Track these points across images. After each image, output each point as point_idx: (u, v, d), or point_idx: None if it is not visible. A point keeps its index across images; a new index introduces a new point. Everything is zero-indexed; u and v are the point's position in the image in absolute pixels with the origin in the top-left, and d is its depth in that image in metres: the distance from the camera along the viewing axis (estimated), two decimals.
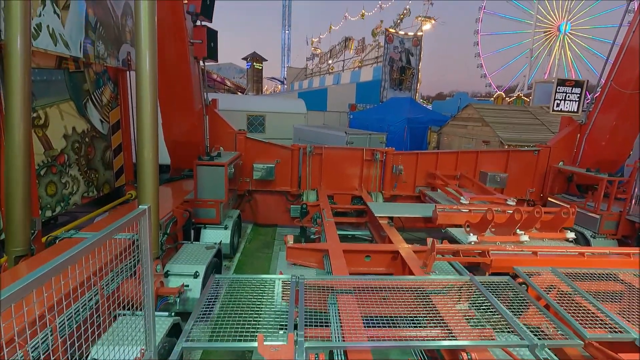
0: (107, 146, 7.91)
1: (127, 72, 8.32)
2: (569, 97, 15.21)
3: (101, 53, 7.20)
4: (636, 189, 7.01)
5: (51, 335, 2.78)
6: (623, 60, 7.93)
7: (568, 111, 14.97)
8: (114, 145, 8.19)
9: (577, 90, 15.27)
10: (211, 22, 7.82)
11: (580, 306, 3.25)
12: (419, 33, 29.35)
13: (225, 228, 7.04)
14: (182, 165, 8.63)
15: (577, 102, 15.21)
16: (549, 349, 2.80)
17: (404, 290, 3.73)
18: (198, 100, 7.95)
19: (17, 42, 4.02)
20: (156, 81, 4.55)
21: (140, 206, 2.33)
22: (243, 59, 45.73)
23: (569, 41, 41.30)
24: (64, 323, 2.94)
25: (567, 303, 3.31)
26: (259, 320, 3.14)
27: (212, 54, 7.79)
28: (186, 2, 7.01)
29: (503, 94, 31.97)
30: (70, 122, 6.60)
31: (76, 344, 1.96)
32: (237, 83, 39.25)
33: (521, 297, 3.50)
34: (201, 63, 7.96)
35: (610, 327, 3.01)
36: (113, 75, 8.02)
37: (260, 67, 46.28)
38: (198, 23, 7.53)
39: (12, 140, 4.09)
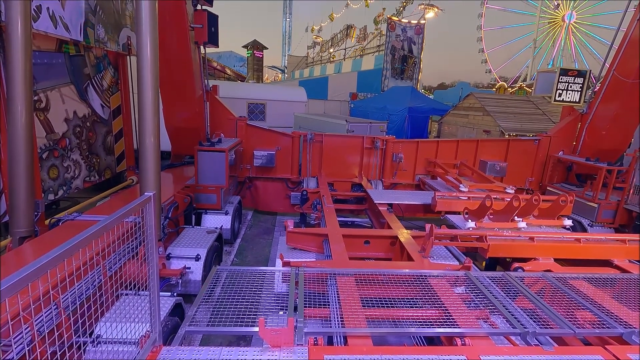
0: (108, 131, 7.91)
1: (128, 57, 8.27)
2: (571, 87, 15.14)
3: (101, 37, 7.15)
4: (635, 178, 7.04)
5: (55, 310, 2.84)
6: (626, 50, 7.89)
7: (570, 101, 14.91)
8: (114, 130, 8.19)
9: (580, 80, 15.19)
10: (211, 6, 7.74)
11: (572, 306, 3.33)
12: (422, 21, 29.04)
13: (226, 213, 7.10)
14: (183, 151, 8.66)
15: (579, 92, 15.15)
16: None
17: (402, 274, 3.79)
18: (199, 86, 7.93)
19: (18, 24, 4.02)
20: (157, 66, 4.54)
21: (145, 193, 2.36)
22: (243, 47, 45.29)
23: (574, 29, 40.81)
24: (69, 300, 3.01)
25: (558, 302, 3.39)
26: (260, 302, 3.19)
27: (213, 39, 7.74)
28: None
29: (505, 84, 31.78)
30: (71, 106, 6.59)
31: (79, 321, 2.02)
32: (238, 72, 38.89)
33: (515, 290, 3.57)
34: (202, 49, 7.92)
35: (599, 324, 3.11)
36: (113, 59, 7.97)
37: (261, 56, 45.86)
38: (198, 7, 7.47)
39: (15, 122, 4.12)
